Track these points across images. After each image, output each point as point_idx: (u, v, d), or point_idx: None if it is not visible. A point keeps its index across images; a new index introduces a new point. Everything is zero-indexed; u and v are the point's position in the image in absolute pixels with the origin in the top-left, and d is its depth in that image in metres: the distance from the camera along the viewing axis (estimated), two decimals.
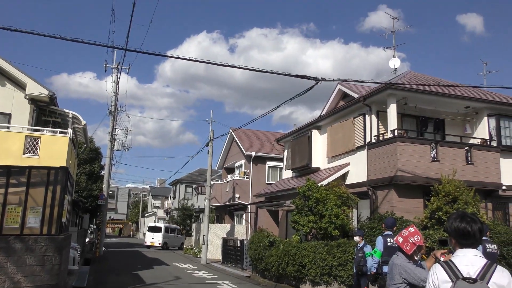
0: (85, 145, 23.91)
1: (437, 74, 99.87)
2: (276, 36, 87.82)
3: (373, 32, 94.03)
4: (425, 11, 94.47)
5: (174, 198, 48.95)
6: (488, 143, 14.99)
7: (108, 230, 67.37)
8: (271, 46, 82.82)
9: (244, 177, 28.01)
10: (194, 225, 34.60)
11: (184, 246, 33.90)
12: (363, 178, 14.78)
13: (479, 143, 14.83)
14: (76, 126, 14.68)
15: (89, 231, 33.55)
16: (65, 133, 13.19)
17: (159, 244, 34.27)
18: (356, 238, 10.41)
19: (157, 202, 64.70)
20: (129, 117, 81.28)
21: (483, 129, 15.43)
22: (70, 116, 13.93)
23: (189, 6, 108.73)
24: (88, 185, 29.49)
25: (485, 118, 15.42)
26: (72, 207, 16.15)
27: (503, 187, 14.51)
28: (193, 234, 33.07)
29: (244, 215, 27.85)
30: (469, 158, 14.06)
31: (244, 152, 27.75)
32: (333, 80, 11.10)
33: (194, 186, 42.21)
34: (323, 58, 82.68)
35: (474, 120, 15.86)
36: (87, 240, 28.95)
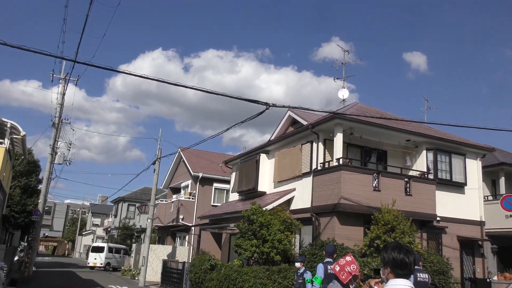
0: (22, 157, 22.62)
1: (383, 107, 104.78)
2: (231, 59, 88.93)
3: (326, 62, 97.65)
4: (375, 46, 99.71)
5: (116, 216, 47.15)
6: (426, 175, 15.73)
7: (41, 248, 63.49)
8: (226, 68, 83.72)
9: (189, 198, 27.56)
10: (134, 245, 33.40)
11: (122, 267, 32.57)
12: (307, 204, 14.97)
13: (417, 175, 15.53)
14: (15, 136, 13.90)
15: (19, 249, 31.42)
16: (1, 143, 12.43)
17: (101, 264, 32.70)
18: (297, 264, 10.42)
19: (97, 220, 62.03)
20: (74, 130, 78.03)
21: (421, 162, 16.21)
22: (9, 125, 13.18)
23: (147, 22, 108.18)
24: (22, 200, 27.74)
25: (424, 152, 16.22)
26: (2, 223, 15.11)
27: (438, 218, 15.22)
28: (133, 255, 31.87)
29: (187, 237, 27.27)
30: (408, 189, 14.66)
31: (192, 172, 27.38)
32: (284, 106, 11.31)
33: (137, 205, 40.94)
34: (277, 84, 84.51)
35: (414, 153, 16.63)
36: (15, 258, 27.04)
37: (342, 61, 20.05)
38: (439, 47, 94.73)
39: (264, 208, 14.52)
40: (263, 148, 18.85)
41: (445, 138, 16.55)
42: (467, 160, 16.91)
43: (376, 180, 14.14)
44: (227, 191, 25.14)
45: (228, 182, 24.66)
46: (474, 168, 17.22)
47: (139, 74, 9.40)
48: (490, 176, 20.02)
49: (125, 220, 41.96)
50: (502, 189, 19.36)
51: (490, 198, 19.29)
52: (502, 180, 19.58)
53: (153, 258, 24.79)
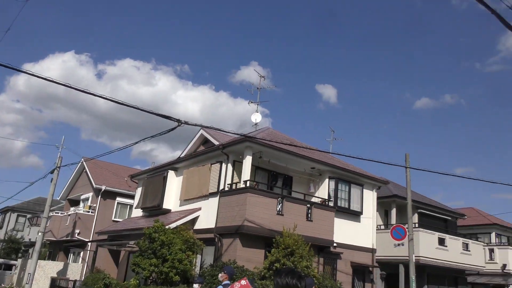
0: None
1: (294, 133, 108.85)
2: (148, 71, 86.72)
3: (243, 85, 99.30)
4: (291, 75, 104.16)
5: (1, 228, 42.76)
6: (327, 203, 16.51)
7: None
8: (142, 80, 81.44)
9: (89, 212, 25.93)
10: (19, 260, 30.45)
11: (3, 285, 29.43)
12: (212, 224, 14.87)
13: (319, 202, 16.23)
14: None
15: None
16: None
17: None
18: (196, 286, 10.25)
19: None
20: None
21: (324, 190, 17.00)
22: None
23: (61, 22, 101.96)
24: None
25: (327, 180, 17.06)
26: None
27: (334, 244, 15.98)
28: (17, 271, 29.01)
29: (82, 253, 25.51)
30: (309, 214, 15.23)
31: (94, 184, 25.87)
32: (196, 125, 11.21)
33: (28, 216, 37.60)
34: (193, 101, 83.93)
35: (318, 181, 17.41)
36: None
37: (258, 85, 20.57)
38: (349, 82, 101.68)
39: (167, 226, 14.13)
40: (172, 165, 18.49)
41: (347, 168, 17.59)
42: (364, 190, 18.10)
43: (281, 204, 14.52)
44: (131, 206, 24.12)
45: (132, 197, 23.71)
46: (370, 198, 18.47)
47: (43, 76, 8.76)
48: (384, 206, 21.63)
49: (12, 232, 38.21)
50: (393, 219, 20.99)
51: (382, 227, 20.79)
52: (393, 211, 21.25)
53: (41, 275, 22.75)
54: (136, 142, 13.68)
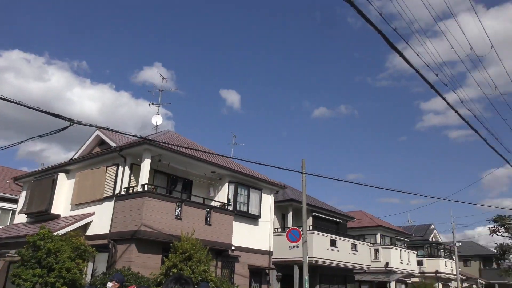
0: None
1: (196, 137, 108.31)
2: (41, 65, 79.97)
3: (146, 86, 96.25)
4: (196, 78, 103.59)
5: None
6: (226, 207, 16.64)
7: None
8: (32, 74, 74.73)
9: None
10: None
11: None
12: (106, 230, 14.15)
13: (218, 206, 16.30)
14: None
15: None
16: None
17: None
18: None
19: None
20: None
21: (223, 194, 17.12)
22: None
23: None
24: None
25: (227, 184, 17.21)
26: None
27: (233, 248, 16.16)
28: None
29: None
30: (208, 219, 15.22)
31: None
32: (90, 125, 10.55)
33: None
34: (91, 100, 79.16)
35: (218, 185, 17.49)
36: None
37: (160, 87, 20.12)
38: (252, 88, 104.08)
39: (55, 233, 13.10)
40: (63, 167, 17.25)
41: (246, 173, 17.91)
42: (263, 194, 18.59)
43: (179, 208, 14.31)
44: (14, 211, 22.00)
45: (16, 201, 21.64)
46: (268, 202, 19.02)
47: None
48: (281, 210, 22.40)
49: None
50: (290, 222, 21.82)
51: (279, 230, 21.51)
52: (290, 215, 22.09)
53: None
54: (21, 142, 12.58)
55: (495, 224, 18.17)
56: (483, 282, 43.83)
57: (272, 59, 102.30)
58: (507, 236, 18.16)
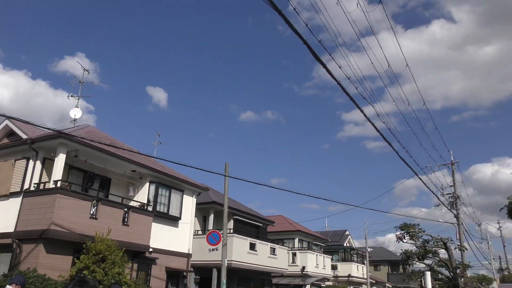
0: None
1: (120, 134, 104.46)
2: None
3: (66, 76, 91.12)
4: (122, 73, 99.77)
5: None
6: (146, 207, 16.15)
7: None
8: None
9: None
10: None
11: None
12: (10, 228, 13.09)
13: (137, 206, 15.77)
14: None
15: None
16: None
17: None
18: None
19: None
20: None
21: (143, 194, 16.60)
22: None
23: None
24: None
25: (147, 184, 16.72)
26: None
27: (150, 250, 15.70)
28: None
29: None
30: (126, 219, 14.66)
31: None
32: None
33: None
34: (2, 86, 73.01)
35: (138, 184, 16.93)
36: None
37: (81, 79, 19.10)
38: (180, 88, 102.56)
39: None
40: None
41: (169, 173, 17.54)
42: (184, 196, 18.31)
43: (95, 207, 13.64)
44: None
45: None
46: (189, 204, 18.77)
47: None
48: (203, 212, 22.23)
49: None
50: (211, 225, 21.71)
51: (200, 232, 21.32)
52: (211, 217, 21.99)
53: None
54: None
55: (401, 232, 19.40)
56: (390, 286, 46.79)
57: (202, 61, 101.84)
58: (411, 243, 19.45)
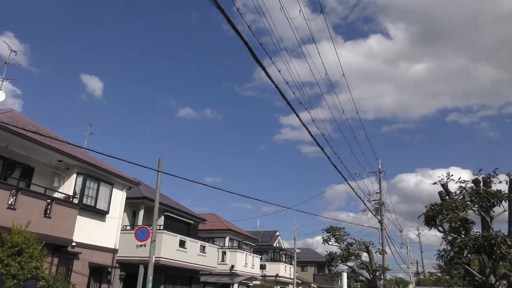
0: None
1: (49, 121, 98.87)
2: None
3: None
4: (54, 57, 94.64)
5: None
6: (71, 199, 15.43)
7: None
8: None
9: None
10: None
11: None
12: None
13: (62, 198, 15.04)
14: None
15: None
16: None
17: None
18: None
19: None
20: None
21: (70, 185, 15.86)
22: None
23: None
24: None
25: (74, 175, 16.00)
26: None
27: (73, 244, 15.03)
28: None
29: None
30: (48, 211, 13.94)
31: None
32: None
33: None
34: None
35: (64, 175, 16.14)
36: None
37: (7, 60, 17.80)
38: (117, 79, 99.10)
39: None
40: None
41: (98, 165, 16.89)
42: (114, 190, 17.72)
43: (14, 197, 12.83)
44: None
45: None
46: (119, 198, 18.20)
47: None
48: (133, 207, 21.64)
49: None
50: (141, 220, 21.19)
51: (129, 228, 20.72)
52: (142, 213, 21.47)
53: None
54: None
55: (328, 234, 20.17)
56: (316, 286, 48.33)
57: (143, 54, 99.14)
58: (336, 246, 20.28)
